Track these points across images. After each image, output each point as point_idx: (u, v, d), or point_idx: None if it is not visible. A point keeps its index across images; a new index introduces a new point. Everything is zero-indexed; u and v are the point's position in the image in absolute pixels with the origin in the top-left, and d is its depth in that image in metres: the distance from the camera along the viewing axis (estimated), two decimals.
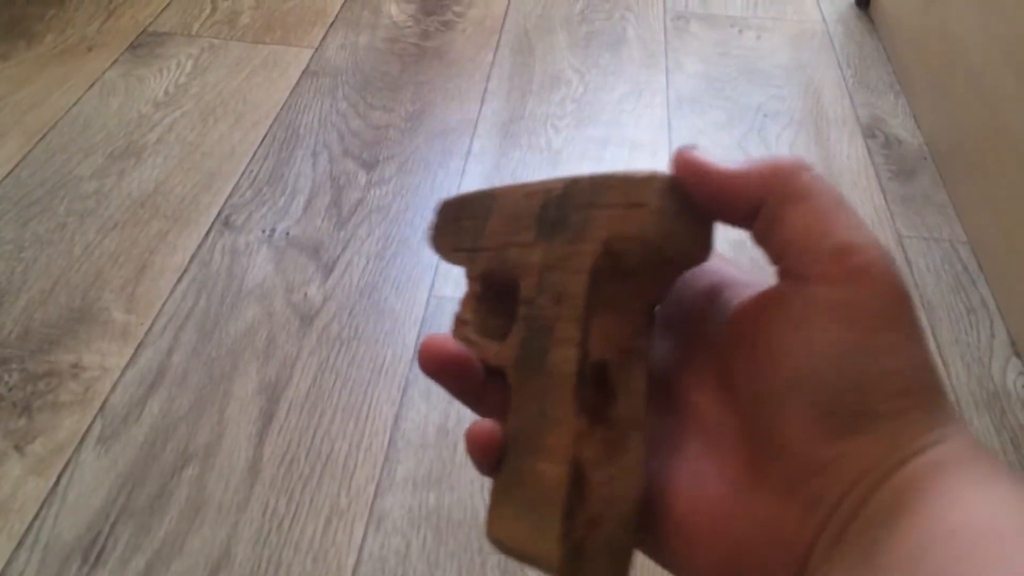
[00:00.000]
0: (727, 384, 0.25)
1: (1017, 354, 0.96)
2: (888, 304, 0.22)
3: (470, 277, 0.30)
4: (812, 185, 0.23)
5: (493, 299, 0.29)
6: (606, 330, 0.25)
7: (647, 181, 0.24)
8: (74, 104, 1.27)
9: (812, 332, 0.22)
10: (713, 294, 0.27)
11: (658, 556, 0.25)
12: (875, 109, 1.33)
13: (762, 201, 0.23)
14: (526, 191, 0.28)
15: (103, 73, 1.33)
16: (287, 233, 1.07)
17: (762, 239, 0.24)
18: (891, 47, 1.44)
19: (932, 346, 0.96)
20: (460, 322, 0.30)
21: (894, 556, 0.19)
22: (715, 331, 0.26)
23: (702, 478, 0.24)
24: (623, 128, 1.27)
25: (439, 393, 0.89)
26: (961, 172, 1.15)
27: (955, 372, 0.94)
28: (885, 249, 0.22)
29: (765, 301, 0.24)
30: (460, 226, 0.31)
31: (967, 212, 1.12)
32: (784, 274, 0.24)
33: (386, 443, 0.86)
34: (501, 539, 0.25)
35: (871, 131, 1.28)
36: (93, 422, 0.86)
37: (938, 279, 1.04)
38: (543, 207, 0.27)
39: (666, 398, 0.27)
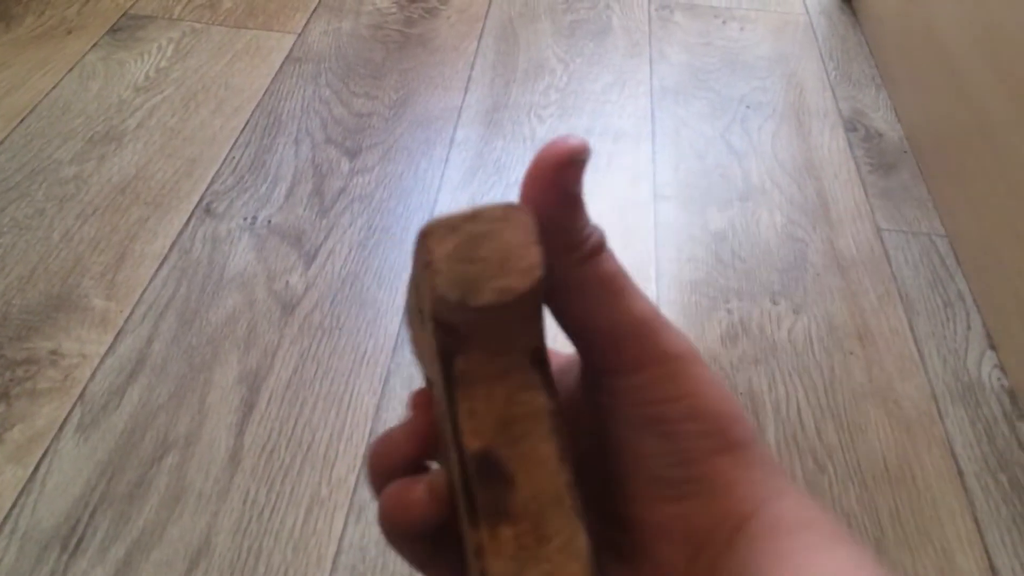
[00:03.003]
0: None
1: (992, 347, 0.97)
2: (668, 374, 0.22)
3: None
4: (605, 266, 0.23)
5: None
6: (476, 410, 0.21)
7: (431, 231, 0.20)
8: (53, 88, 1.25)
9: (619, 415, 0.23)
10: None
11: None
12: (856, 102, 1.33)
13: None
14: None
15: (83, 56, 1.32)
16: (269, 221, 1.07)
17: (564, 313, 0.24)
18: (873, 40, 1.45)
19: (909, 339, 0.97)
20: None
21: None
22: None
23: None
24: (607, 118, 1.27)
25: (420, 383, 0.90)
26: (940, 166, 1.16)
27: (931, 364, 0.95)
28: (653, 314, 0.22)
29: (583, 394, 0.25)
30: None
31: (946, 206, 1.13)
32: (584, 357, 0.24)
33: (367, 433, 0.86)
34: None
35: (852, 124, 1.29)
36: (72, 410, 0.85)
37: (916, 273, 1.05)
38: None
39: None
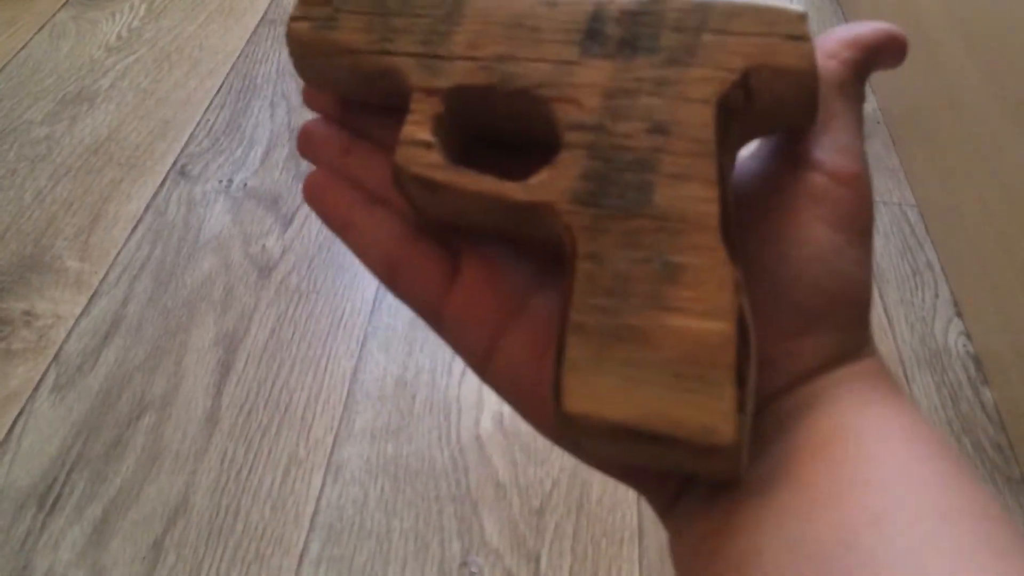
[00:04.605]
0: None
1: (959, 314, 0.99)
2: (868, 218, 0.22)
3: (427, 91, 0.23)
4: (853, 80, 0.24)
5: (454, 125, 0.23)
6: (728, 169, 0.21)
7: (796, 17, 0.21)
8: (23, 47, 1.23)
9: (805, 220, 0.22)
10: None
11: None
12: None
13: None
14: (535, 3, 0.23)
15: (53, 15, 1.29)
16: (244, 184, 1.06)
17: None
18: (848, 11, 1.45)
19: (879, 307, 0.99)
20: (414, 145, 0.22)
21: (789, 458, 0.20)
22: None
23: None
24: None
25: (398, 346, 0.90)
26: (912, 137, 1.17)
27: (900, 331, 0.97)
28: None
29: (763, 179, 0.24)
30: (381, 22, 0.24)
31: (916, 176, 1.15)
32: (780, 151, 0.24)
33: (344, 395, 0.86)
34: (603, 413, 0.19)
35: None
36: (47, 371, 0.85)
37: (887, 242, 1.07)
38: (592, 23, 0.22)
39: None
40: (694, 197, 0.20)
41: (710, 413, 0.18)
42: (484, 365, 0.24)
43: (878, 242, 1.07)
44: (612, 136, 0.21)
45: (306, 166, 1.09)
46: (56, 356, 0.86)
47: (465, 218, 0.23)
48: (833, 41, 0.24)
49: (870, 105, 1.28)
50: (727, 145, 0.22)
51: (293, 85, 1.22)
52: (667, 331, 0.19)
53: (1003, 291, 0.92)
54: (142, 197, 1.03)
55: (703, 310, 0.19)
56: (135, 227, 1.00)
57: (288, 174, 1.08)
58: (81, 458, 0.79)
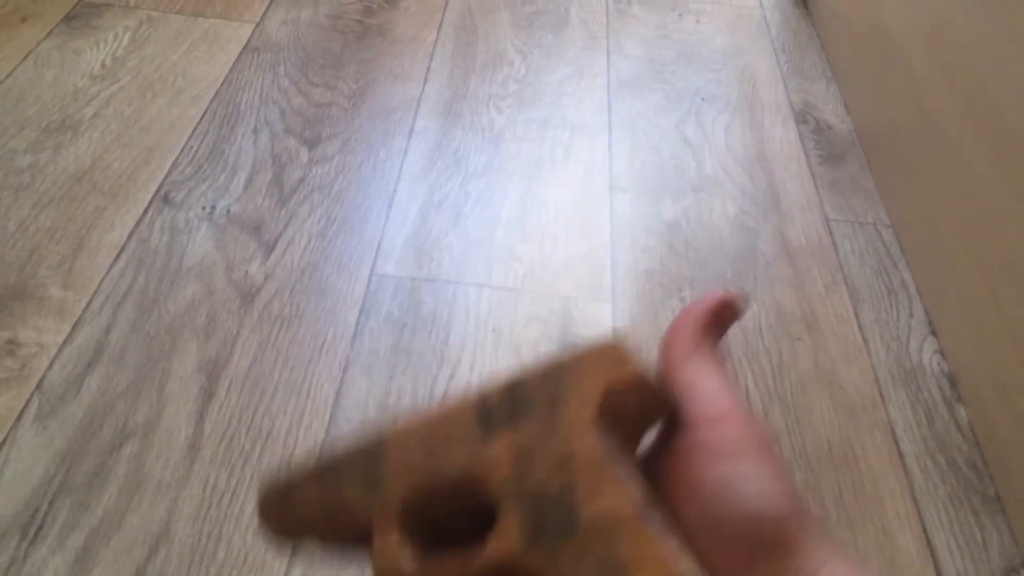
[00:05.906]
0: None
1: (933, 332, 1.01)
2: (757, 437, 0.25)
3: (384, 523, 0.27)
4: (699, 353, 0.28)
5: (417, 535, 0.28)
6: (629, 476, 0.26)
7: (613, 347, 0.27)
8: (7, 76, 1.24)
9: (705, 466, 0.25)
10: None
11: None
12: (807, 95, 1.36)
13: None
14: (435, 419, 0.28)
15: (37, 44, 1.30)
16: (228, 210, 1.07)
17: None
18: (824, 35, 1.48)
19: (855, 326, 1.01)
20: (386, 552, 0.27)
21: None
22: None
23: None
24: (564, 109, 1.29)
25: (380, 371, 0.91)
26: (887, 158, 1.19)
27: (875, 350, 0.98)
28: (741, 400, 0.27)
29: (662, 449, 0.28)
30: (339, 491, 0.29)
31: (891, 197, 1.17)
32: (672, 425, 0.28)
33: (327, 420, 0.87)
34: None
35: (803, 116, 1.32)
36: (30, 399, 0.86)
37: (862, 261, 1.09)
38: (481, 412, 0.28)
39: None
40: (611, 505, 0.24)
41: None
42: None
43: (853, 262, 1.08)
44: (530, 486, 0.26)
45: (289, 189, 1.10)
46: (39, 385, 0.87)
47: None
48: (675, 331, 0.29)
49: (846, 126, 1.30)
50: (622, 449, 0.26)
51: (276, 112, 1.23)
52: None
53: (977, 310, 0.93)
54: (125, 225, 1.04)
55: None
56: (118, 255, 1.00)
57: (271, 200, 1.09)
58: (64, 487, 0.79)
